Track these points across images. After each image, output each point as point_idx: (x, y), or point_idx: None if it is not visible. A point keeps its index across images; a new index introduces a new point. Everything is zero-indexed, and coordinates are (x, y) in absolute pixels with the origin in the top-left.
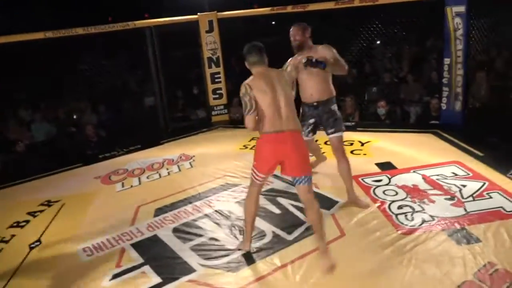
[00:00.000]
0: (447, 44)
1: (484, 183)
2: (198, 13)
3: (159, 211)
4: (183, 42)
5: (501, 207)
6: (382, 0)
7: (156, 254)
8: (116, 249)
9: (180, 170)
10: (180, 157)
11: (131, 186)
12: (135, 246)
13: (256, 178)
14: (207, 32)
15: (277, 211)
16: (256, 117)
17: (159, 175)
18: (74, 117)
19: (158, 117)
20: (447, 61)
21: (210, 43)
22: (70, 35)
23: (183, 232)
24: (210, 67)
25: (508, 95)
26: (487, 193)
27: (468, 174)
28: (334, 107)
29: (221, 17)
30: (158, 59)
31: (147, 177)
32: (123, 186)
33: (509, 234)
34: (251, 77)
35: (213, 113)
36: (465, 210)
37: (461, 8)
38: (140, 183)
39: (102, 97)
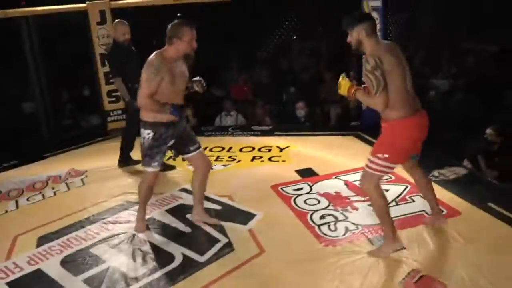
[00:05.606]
0: None
1: (407, 186)
2: (87, 2)
3: (43, 240)
4: (70, 35)
5: (423, 210)
6: None
7: None
8: None
9: (69, 188)
10: (69, 173)
11: (6, 212)
12: (12, 285)
13: (386, 172)
14: (98, 24)
15: (187, 229)
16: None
17: (43, 196)
18: None
19: (40, 125)
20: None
21: (103, 37)
22: None
23: (74, 263)
24: (104, 64)
25: (426, 93)
26: (409, 197)
27: (391, 178)
28: None
29: (115, 7)
30: (38, 56)
31: (27, 199)
32: None
33: (431, 239)
34: (374, 47)
35: (109, 119)
36: None
37: (377, 2)
38: (17, 207)
39: None
